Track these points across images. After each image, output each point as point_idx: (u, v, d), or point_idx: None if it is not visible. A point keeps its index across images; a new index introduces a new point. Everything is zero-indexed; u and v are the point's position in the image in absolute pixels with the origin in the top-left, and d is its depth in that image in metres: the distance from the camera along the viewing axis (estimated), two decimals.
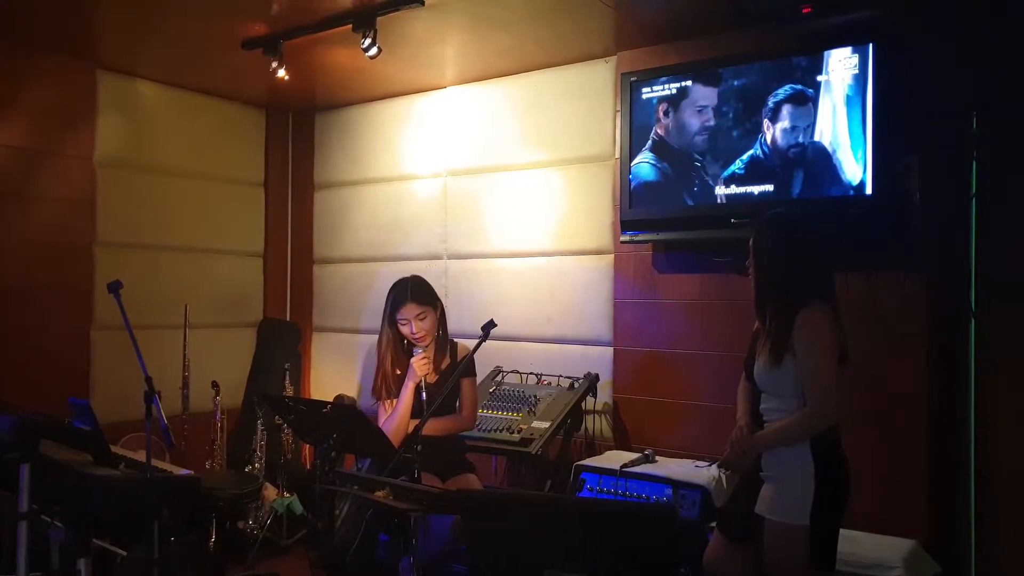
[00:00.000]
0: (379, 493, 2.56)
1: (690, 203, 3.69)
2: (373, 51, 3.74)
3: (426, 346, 3.37)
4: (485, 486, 3.58)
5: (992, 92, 3.21)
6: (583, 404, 3.89)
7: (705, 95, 3.65)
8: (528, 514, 2.06)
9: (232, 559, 4.15)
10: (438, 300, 3.46)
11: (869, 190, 3.20)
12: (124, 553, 3.38)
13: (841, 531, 2.52)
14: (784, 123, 3.43)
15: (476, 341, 2.99)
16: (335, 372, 5.34)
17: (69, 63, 4.34)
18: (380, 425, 3.32)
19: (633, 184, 3.86)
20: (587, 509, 2.20)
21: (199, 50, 4.26)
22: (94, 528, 2.73)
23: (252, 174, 5.43)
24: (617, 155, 4.04)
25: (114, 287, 3.31)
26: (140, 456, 3.33)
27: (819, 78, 3.33)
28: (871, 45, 3.21)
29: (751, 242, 2.63)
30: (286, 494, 4.57)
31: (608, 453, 3.87)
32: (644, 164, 3.83)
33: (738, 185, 3.55)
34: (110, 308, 3.56)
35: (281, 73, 4.08)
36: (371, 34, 3.69)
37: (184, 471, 3.41)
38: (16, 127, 4.17)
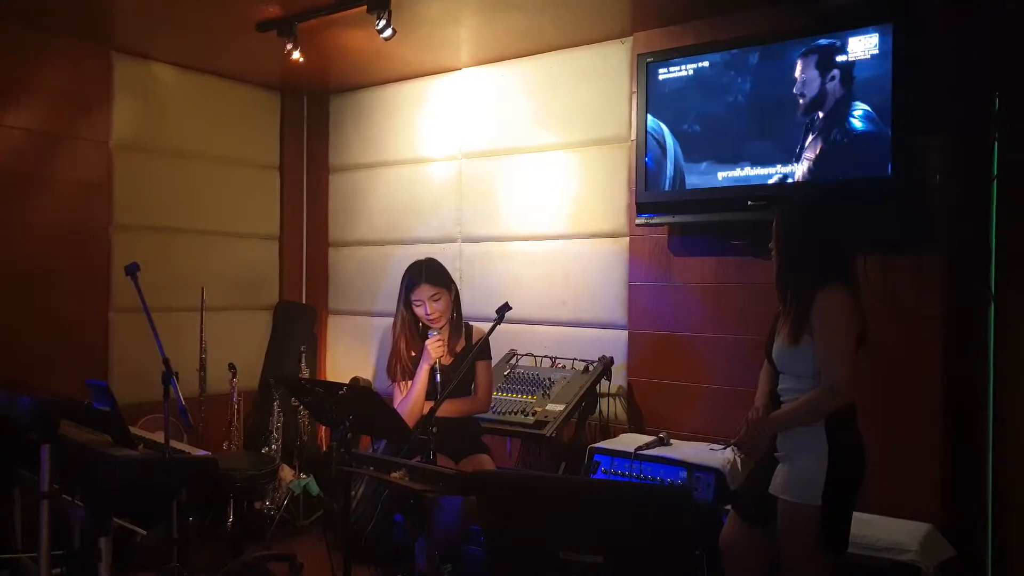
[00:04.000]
0: (395, 474, 2.58)
1: (706, 186, 3.67)
2: (388, 32, 3.72)
3: (440, 328, 3.37)
4: (499, 468, 3.60)
5: (1015, 72, 3.16)
6: (597, 387, 3.89)
7: (722, 76, 3.62)
8: (545, 496, 2.07)
9: (249, 539, 4.20)
10: (452, 282, 3.46)
11: (889, 171, 3.17)
12: (144, 532, 3.43)
13: (856, 514, 2.52)
14: (802, 105, 3.39)
15: (491, 324, 2.99)
16: (350, 354, 5.36)
17: (85, 46, 4.35)
18: (395, 407, 3.34)
19: (649, 166, 3.83)
20: (603, 491, 2.21)
21: (214, 32, 4.26)
22: (114, 508, 2.77)
23: (267, 157, 5.44)
24: (633, 137, 4.02)
25: (132, 270, 3.34)
26: (158, 437, 3.37)
27: (839, 58, 3.29)
28: (891, 24, 3.17)
29: (774, 225, 2.62)
30: (302, 475, 4.61)
31: (622, 436, 3.87)
32: (660, 146, 3.80)
33: (755, 167, 3.52)
34: (127, 290, 3.59)
35: (296, 55, 4.08)
36: (386, 15, 3.68)
37: (202, 452, 3.43)
38: (33, 110, 4.19)
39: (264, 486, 4.40)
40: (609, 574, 1.93)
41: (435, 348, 3.29)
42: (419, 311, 3.37)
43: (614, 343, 4.12)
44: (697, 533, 2.92)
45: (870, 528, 2.89)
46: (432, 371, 3.27)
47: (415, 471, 2.53)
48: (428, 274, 3.37)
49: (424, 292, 3.34)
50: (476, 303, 4.42)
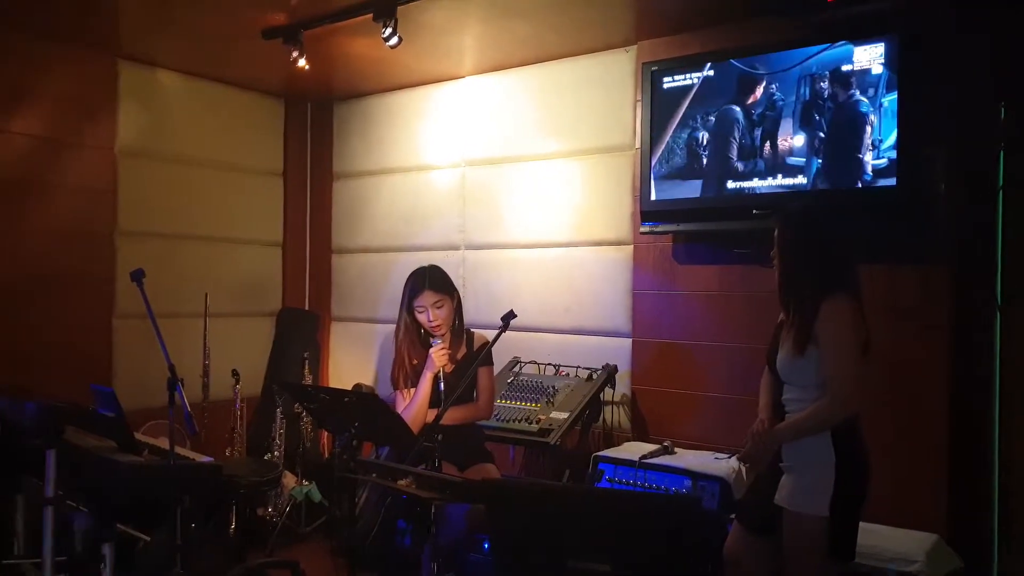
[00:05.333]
0: (402, 482, 2.57)
1: (711, 194, 3.67)
2: (394, 40, 3.73)
3: (442, 335, 3.38)
4: (503, 475, 3.59)
5: (1021, 81, 3.16)
6: (601, 395, 3.88)
7: (726, 85, 3.62)
8: (554, 505, 2.06)
9: (252, 545, 4.19)
10: (455, 289, 3.47)
11: (894, 182, 3.17)
12: (147, 538, 3.42)
13: (863, 524, 2.51)
14: (807, 114, 3.40)
15: (495, 331, 2.99)
16: (353, 361, 5.36)
17: (90, 53, 4.35)
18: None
19: (654, 174, 3.84)
20: (613, 500, 2.20)
21: (219, 40, 4.27)
22: (118, 514, 2.75)
23: (271, 163, 5.44)
24: (637, 145, 4.02)
25: (137, 276, 3.34)
26: (162, 443, 3.36)
27: (844, 68, 3.30)
28: (897, 35, 3.17)
29: (775, 233, 2.61)
30: (304, 482, 4.60)
31: (626, 444, 3.87)
32: (665, 155, 3.81)
33: (760, 177, 3.53)
34: (131, 296, 3.59)
35: (301, 63, 4.08)
36: (392, 23, 3.68)
37: (206, 458, 3.44)
38: (38, 116, 4.19)
39: (267, 493, 4.39)
40: None
41: (439, 356, 3.29)
42: (422, 318, 3.38)
43: (618, 351, 4.11)
44: (703, 543, 2.91)
45: (876, 538, 2.88)
46: (436, 379, 3.28)
47: (422, 478, 2.53)
48: (431, 281, 3.38)
49: (427, 299, 3.35)
50: (479, 310, 4.42)
